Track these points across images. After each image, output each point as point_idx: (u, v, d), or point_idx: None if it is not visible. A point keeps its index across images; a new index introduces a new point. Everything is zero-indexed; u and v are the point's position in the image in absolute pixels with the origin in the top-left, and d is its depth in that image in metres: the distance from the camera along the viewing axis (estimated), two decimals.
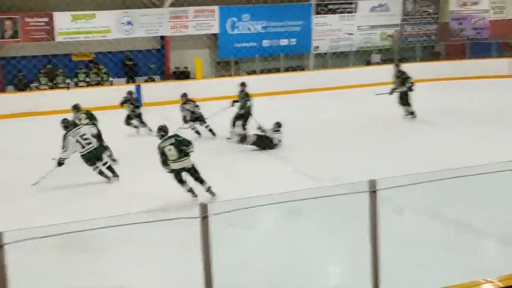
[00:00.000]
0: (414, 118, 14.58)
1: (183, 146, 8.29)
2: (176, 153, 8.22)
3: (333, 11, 23.65)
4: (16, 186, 9.90)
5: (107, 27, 20.47)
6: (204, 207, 4.33)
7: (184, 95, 13.73)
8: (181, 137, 8.58)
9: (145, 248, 6.69)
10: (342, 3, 23.80)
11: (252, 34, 22.70)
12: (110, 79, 21.19)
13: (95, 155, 9.89)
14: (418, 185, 5.20)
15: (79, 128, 10.00)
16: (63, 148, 9.72)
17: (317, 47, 23.81)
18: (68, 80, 20.55)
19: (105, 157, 10.37)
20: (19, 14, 19.39)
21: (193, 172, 8.40)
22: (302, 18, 23.24)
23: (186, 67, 22.57)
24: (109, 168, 10.05)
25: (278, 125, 12.25)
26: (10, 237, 4.02)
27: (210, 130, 13.59)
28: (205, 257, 4.26)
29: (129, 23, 20.70)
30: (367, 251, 4.67)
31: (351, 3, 23.91)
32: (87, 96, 19.07)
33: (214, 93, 20.16)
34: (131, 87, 20.08)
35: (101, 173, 9.90)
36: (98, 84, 20.87)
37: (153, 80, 21.91)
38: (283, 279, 5.85)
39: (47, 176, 9.65)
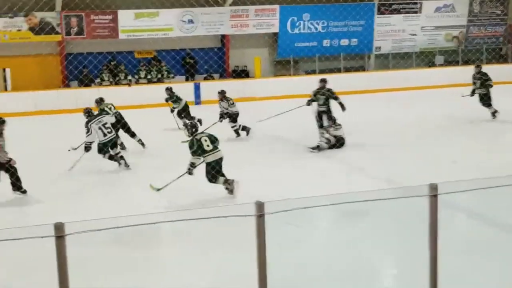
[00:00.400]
0: (495, 119, 14.46)
1: (212, 141, 8.53)
2: (211, 145, 8.41)
3: (397, 11, 23.22)
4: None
5: (169, 25, 20.75)
6: (260, 206, 4.25)
7: (221, 92, 13.76)
8: (209, 133, 8.87)
9: (198, 244, 6.68)
10: (407, 3, 23.32)
11: (312, 34, 22.53)
12: (171, 76, 21.45)
13: (113, 144, 10.70)
14: (480, 190, 4.97)
15: (102, 117, 10.79)
16: (87, 133, 10.52)
17: (379, 47, 23.42)
18: (130, 77, 20.94)
19: (119, 147, 11.23)
20: (84, 11, 19.91)
21: (221, 164, 8.56)
22: (364, 17, 22.89)
23: (246, 66, 22.61)
24: (122, 157, 10.71)
25: (334, 120, 12.03)
26: (69, 229, 4.08)
27: (236, 131, 13.39)
28: (260, 256, 4.18)
29: (190, 21, 20.91)
30: (425, 256, 4.49)
31: (415, 3, 23.40)
32: (148, 92, 19.49)
33: (272, 92, 20.20)
34: (190, 84, 20.42)
35: (111, 157, 10.60)
36: (159, 81, 21.16)
37: (212, 78, 22.06)
38: (337, 281, 5.71)
39: (80, 160, 10.43)
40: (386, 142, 12.39)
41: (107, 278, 5.83)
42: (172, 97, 14.92)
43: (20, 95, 18.80)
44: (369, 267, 6.10)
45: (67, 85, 20.60)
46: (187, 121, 11.76)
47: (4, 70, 20.01)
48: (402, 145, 12.09)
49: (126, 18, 20.26)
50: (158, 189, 8.55)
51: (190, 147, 8.44)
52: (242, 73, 22.50)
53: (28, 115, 17.99)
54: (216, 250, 6.47)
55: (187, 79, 21.66)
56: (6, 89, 19.85)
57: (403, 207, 5.97)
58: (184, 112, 14.80)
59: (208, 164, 8.45)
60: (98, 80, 20.73)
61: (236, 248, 6.25)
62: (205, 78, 21.89)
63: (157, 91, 19.26)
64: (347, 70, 22.85)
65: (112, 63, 21.05)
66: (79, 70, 20.59)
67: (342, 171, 10.42)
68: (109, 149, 10.61)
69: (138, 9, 20.40)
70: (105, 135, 10.50)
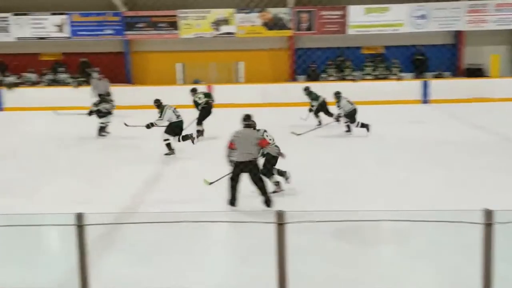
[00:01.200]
0: None
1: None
2: (272, 138, 8.59)
3: None
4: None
5: (400, 21, 20.16)
6: (488, 214, 3.81)
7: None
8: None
9: (418, 247, 6.27)
10: None
11: None
12: (400, 74, 20.84)
13: (181, 128, 11.76)
14: None
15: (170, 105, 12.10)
16: (160, 117, 11.68)
17: None
18: (355, 73, 20.84)
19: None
20: (316, 7, 20.28)
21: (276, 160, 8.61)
22: None
23: (481, 64, 21.07)
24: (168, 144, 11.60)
25: None
26: (291, 217, 4.31)
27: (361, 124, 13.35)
28: (486, 268, 3.71)
29: (423, 16, 20.10)
30: None
31: None
32: (371, 89, 19.23)
33: (510, 93, 18.64)
34: (419, 82, 19.68)
35: (168, 145, 11.52)
36: (385, 78, 20.72)
37: (442, 77, 20.96)
38: None
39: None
40: None
41: (323, 268, 5.72)
42: (311, 95, 15.07)
43: (250, 87, 19.84)
44: None
45: (294, 79, 21.20)
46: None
47: (237, 63, 21.31)
48: None
49: (356, 14, 20.16)
50: (210, 183, 8.56)
51: None
52: (476, 72, 21.01)
53: (256, 106, 18.83)
54: (436, 255, 5.99)
55: (416, 77, 20.87)
56: (237, 81, 21.09)
57: None
58: (322, 110, 14.93)
59: (266, 156, 8.45)
60: (324, 75, 20.99)
61: (459, 255, 5.73)
62: (435, 76, 20.88)
63: (381, 87, 18.99)
64: None
65: (338, 58, 21.18)
66: (306, 65, 21.09)
67: None
68: (177, 133, 11.67)
69: (369, 5, 20.17)
70: (178, 117, 11.68)
